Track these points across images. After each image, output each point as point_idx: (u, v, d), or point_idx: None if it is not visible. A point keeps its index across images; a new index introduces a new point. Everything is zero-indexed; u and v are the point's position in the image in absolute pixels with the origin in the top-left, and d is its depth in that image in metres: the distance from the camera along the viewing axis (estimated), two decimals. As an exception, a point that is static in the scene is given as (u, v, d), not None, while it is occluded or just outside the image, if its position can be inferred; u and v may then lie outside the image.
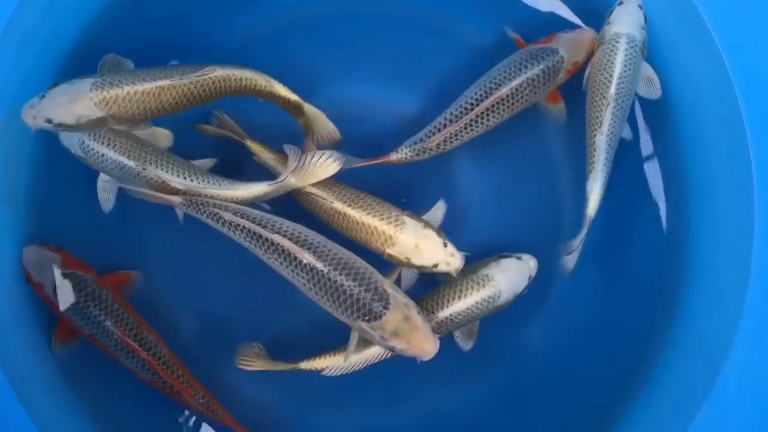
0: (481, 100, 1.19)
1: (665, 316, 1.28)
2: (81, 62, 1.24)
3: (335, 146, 1.24)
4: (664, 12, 1.26)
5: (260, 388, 1.30)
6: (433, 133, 1.20)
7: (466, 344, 1.23)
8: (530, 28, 1.32)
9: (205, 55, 1.24)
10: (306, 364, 1.20)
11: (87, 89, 1.09)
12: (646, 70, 1.23)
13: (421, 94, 1.35)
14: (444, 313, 1.16)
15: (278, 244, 1.05)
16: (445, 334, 1.19)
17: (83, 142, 1.16)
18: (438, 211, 1.20)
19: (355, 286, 1.03)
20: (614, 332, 1.31)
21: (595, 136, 1.19)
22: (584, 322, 1.31)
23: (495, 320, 1.24)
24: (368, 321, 1.03)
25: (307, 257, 1.04)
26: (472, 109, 1.19)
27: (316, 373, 1.22)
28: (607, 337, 1.31)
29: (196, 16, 1.16)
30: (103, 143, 1.15)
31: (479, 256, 1.23)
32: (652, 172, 1.31)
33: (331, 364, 1.18)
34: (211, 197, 1.13)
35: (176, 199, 1.12)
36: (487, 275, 1.18)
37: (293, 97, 1.20)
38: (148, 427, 1.28)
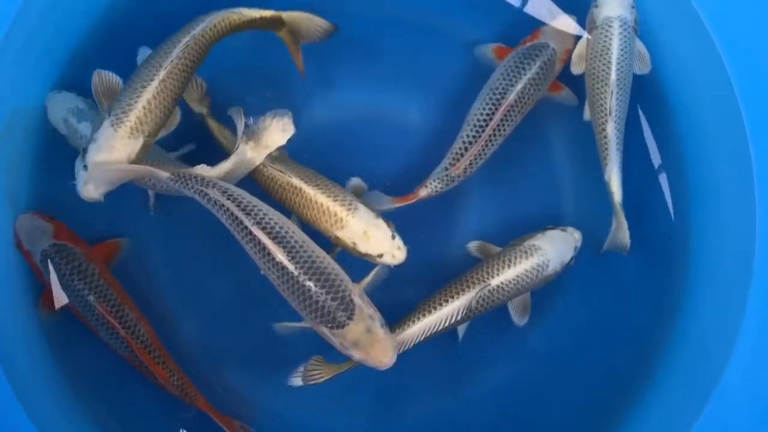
0: (493, 114, 1.20)
1: (667, 319, 1.28)
2: (83, 66, 1.23)
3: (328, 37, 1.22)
4: (664, 15, 1.27)
5: (256, 389, 1.30)
6: (457, 159, 1.21)
7: (520, 319, 1.24)
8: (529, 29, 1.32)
9: (206, 64, 1.24)
10: None
11: (112, 131, 1.07)
12: (638, 46, 1.23)
13: (422, 97, 1.35)
14: (495, 281, 1.17)
15: (256, 236, 1.05)
16: (497, 306, 1.19)
17: (66, 119, 1.17)
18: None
19: (322, 293, 1.03)
20: (614, 336, 1.31)
21: (604, 125, 1.19)
22: (584, 326, 1.32)
23: (494, 323, 1.24)
24: (330, 328, 1.04)
25: (280, 256, 1.04)
26: (486, 125, 1.20)
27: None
28: (607, 340, 1.31)
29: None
30: (83, 122, 1.16)
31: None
32: (654, 177, 1.32)
33: (398, 342, 1.16)
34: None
35: (164, 174, 1.10)
36: (534, 245, 1.20)
37: (268, 13, 1.19)
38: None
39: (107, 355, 1.21)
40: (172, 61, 1.10)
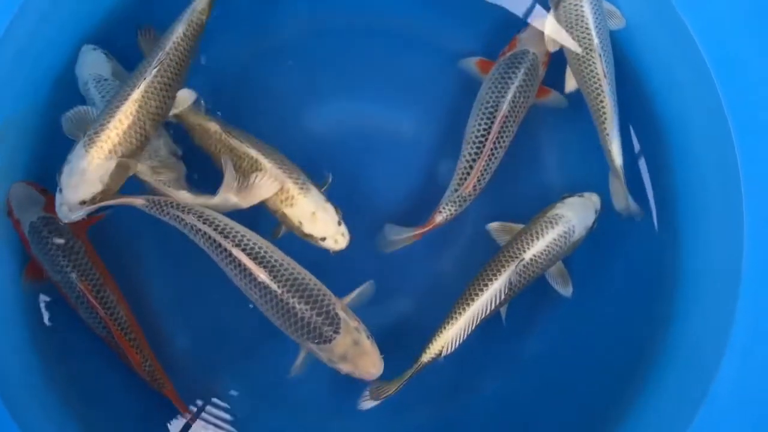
0: (489, 128, 1.21)
1: (657, 330, 1.29)
2: (74, 77, 1.25)
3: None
4: (653, 29, 1.28)
5: (250, 401, 1.30)
6: (464, 179, 1.21)
7: (565, 290, 1.25)
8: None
9: (198, 73, 1.25)
10: (426, 356, 1.17)
11: (83, 152, 1.06)
12: (605, 5, 1.23)
13: (414, 109, 1.35)
14: (528, 255, 1.17)
15: (236, 257, 1.05)
16: (533, 279, 1.19)
17: (87, 84, 1.19)
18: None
19: (307, 310, 1.04)
20: (607, 344, 1.31)
21: (600, 89, 1.19)
22: (577, 334, 1.32)
23: (488, 331, 1.24)
24: (318, 344, 1.05)
25: (262, 276, 1.04)
26: (486, 140, 1.21)
27: (313, 388, 1.24)
28: (599, 350, 1.31)
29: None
30: (100, 94, 1.17)
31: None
32: (643, 186, 1.33)
33: (450, 336, 1.16)
34: (161, 193, 1.13)
35: (138, 201, 1.10)
36: (557, 214, 1.20)
37: None
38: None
39: (95, 359, 1.22)
40: (146, 79, 1.08)
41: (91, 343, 1.22)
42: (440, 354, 1.16)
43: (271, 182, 1.13)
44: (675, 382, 1.24)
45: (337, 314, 1.05)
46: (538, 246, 1.18)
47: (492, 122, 1.21)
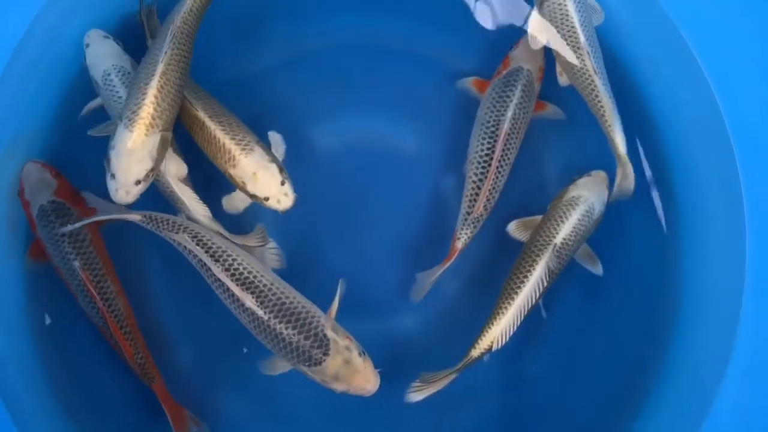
0: (493, 148, 1.22)
1: (658, 347, 1.28)
2: (82, 92, 1.26)
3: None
4: (653, 47, 1.28)
5: (252, 412, 1.31)
6: (474, 201, 1.22)
7: (596, 268, 1.27)
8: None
9: (205, 87, 1.26)
10: (477, 351, 1.18)
11: (127, 133, 1.08)
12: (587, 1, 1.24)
13: (417, 125, 1.36)
14: (558, 240, 1.19)
15: (224, 283, 1.07)
16: (566, 262, 1.21)
17: (108, 75, 1.20)
18: (278, 147, 1.22)
19: (294, 335, 1.04)
20: (608, 362, 1.31)
21: (593, 85, 1.20)
22: (578, 352, 1.32)
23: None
24: (308, 366, 1.05)
25: (249, 302, 1.05)
26: (491, 159, 1.22)
27: (313, 402, 1.24)
28: (600, 367, 1.31)
29: (195, 49, 1.19)
30: (125, 86, 1.18)
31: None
32: (643, 202, 1.32)
33: (499, 331, 1.17)
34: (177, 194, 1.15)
35: (135, 217, 1.13)
36: (573, 196, 1.23)
37: None
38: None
39: (97, 363, 1.24)
40: (166, 53, 1.11)
41: (93, 344, 1.25)
42: (490, 348, 1.17)
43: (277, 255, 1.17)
44: (676, 401, 1.23)
45: (325, 335, 1.05)
46: (566, 229, 1.20)
47: (495, 142, 1.22)
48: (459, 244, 1.23)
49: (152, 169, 1.10)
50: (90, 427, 1.26)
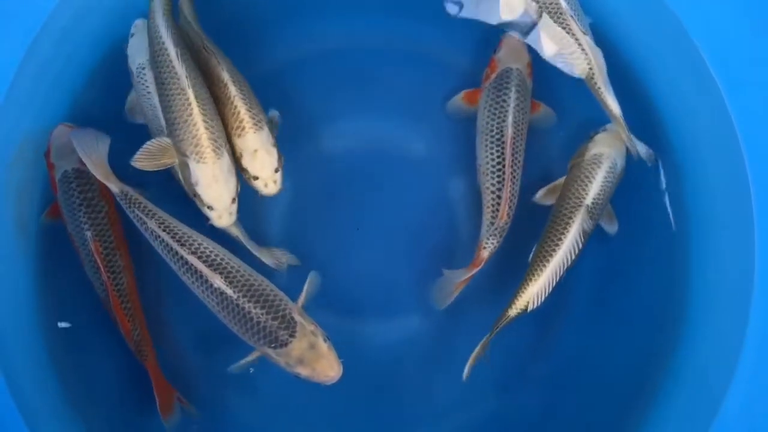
0: (503, 155, 1.23)
1: (666, 349, 1.28)
2: (94, 94, 1.27)
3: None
4: (664, 52, 1.28)
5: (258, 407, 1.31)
6: (496, 210, 1.23)
7: (612, 227, 1.28)
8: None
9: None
10: (513, 310, 1.19)
11: (203, 166, 1.10)
12: None
13: (424, 127, 1.37)
14: (588, 201, 1.21)
15: (192, 264, 1.08)
16: (597, 219, 1.23)
17: (143, 68, 1.21)
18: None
19: (262, 314, 1.05)
20: (614, 365, 1.31)
21: (589, 69, 1.20)
22: (583, 355, 1.32)
23: (494, 349, 1.24)
24: (274, 348, 1.06)
25: (218, 282, 1.07)
26: (503, 167, 1.22)
27: (315, 400, 1.24)
28: (606, 369, 1.31)
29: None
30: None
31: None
32: (653, 205, 1.33)
33: (534, 292, 1.18)
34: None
35: (114, 188, 1.14)
36: (594, 154, 1.24)
37: None
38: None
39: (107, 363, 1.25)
40: (187, 76, 1.11)
41: (103, 344, 1.26)
42: (526, 309, 1.18)
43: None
44: (684, 404, 1.23)
45: (292, 318, 1.06)
46: (595, 188, 1.21)
47: (503, 149, 1.23)
48: (485, 254, 1.23)
49: (237, 182, 1.12)
50: (98, 426, 1.26)
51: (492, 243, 1.23)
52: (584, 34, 1.20)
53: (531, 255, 1.23)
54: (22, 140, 1.22)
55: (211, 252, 1.10)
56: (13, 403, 1.13)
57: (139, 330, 1.21)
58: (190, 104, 1.10)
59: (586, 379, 1.31)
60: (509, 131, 1.23)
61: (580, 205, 1.20)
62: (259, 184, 1.15)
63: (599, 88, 1.21)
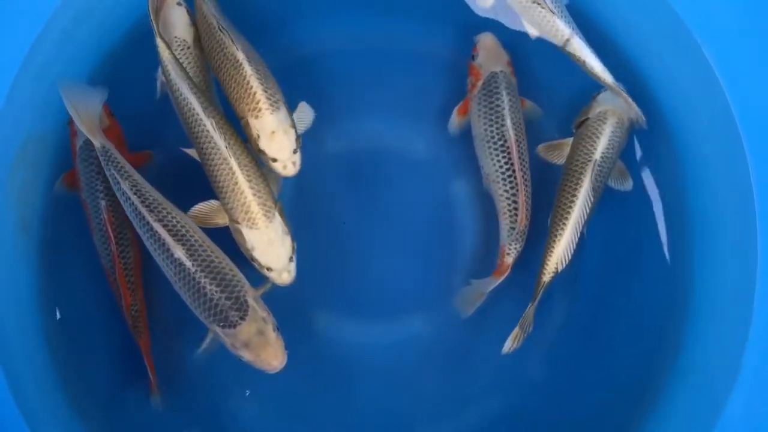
0: (510, 160, 1.23)
1: (668, 352, 1.28)
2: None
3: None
4: (665, 49, 1.28)
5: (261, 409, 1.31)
6: (515, 215, 1.23)
7: (626, 184, 1.28)
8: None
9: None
10: (546, 275, 1.21)
11: (256, 231, 1.10)
12: None
13: (428, 128, 1.37)
14: (597, 156, 1.21)
15: (156, 231, 1.08)
16: (607, 176, 1.23)
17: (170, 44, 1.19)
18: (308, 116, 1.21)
19: (217, 292, 1.05)
20: (616, 367, 1.30)
21: (554, 28, 1.20)
22: (585, 357, 1.32)
23: (497, 352, 1.25)
24: (222, 327, 1.06)
25: (178, 253, 1.07)
26: (513, 172, 1.23)
27: (317, 403, 1.24)
28: (608, 372, 1.31)
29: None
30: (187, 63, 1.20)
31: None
32: (655, 212, 1.32)
33: (561, 251, 1.20)
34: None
35: (96, 143, 1.14)
36: (600, 112, 1.25)
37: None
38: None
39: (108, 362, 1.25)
40: (227, 146, 1.10)
41: (105, 343, 1.27)
42: (557, 271, 1.20)
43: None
44: (687, 406, 1.23)
45: (246, 301, 1.06)
46: (603, 143, 1.22)
47: (509, 154, 1.23)
48: (509, 259, 1.24)
49: (293, 240, 1.13)
50: (98, 426, 1.26)
51: (515, 248, 1.23)
52: (554, 13, 1.18)
53: (549, 218, 1.23)
54: (24, 141, 1.22)
55: (177, 222, 1.10)
56: (14, 403, 1.13)
57: (138, 306, 1.22)
58: (234, 173, 1.09)
59: (590, 381, 1.31)
60: (511, 135, 1.23)
61: (589, 161, 1.21)
62: (277, 166, 1.14)
63: (584, 62, 1.20)
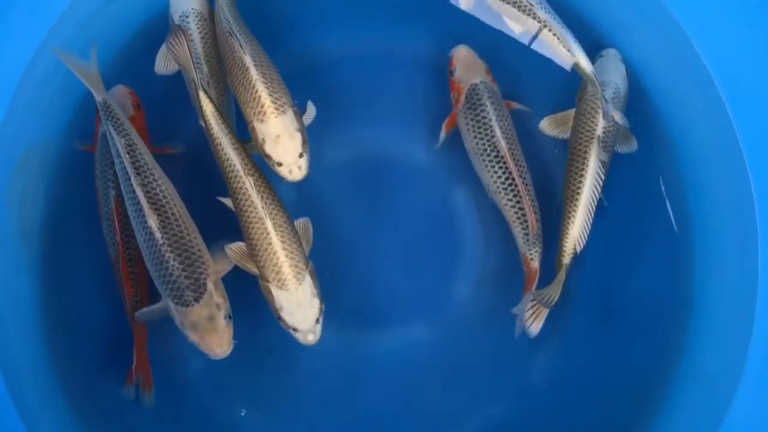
0: (507, 168, 1.23)
1: (670, 358, 1.27)
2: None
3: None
4: (669, 65, 1.28)
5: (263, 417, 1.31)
6: (524, 221, 1.24)
7: (631, 146, 1.28)
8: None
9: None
10: (566, 258, 1.20)
11: (285, 293, 1.10)
12: None
13: (425, 136, 1.37)
14: (599, 131, 1.21)
15: (136, 195, 1.10)
16: (612, 149, 1.23)
17: (186, 17, 1.23)
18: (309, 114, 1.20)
19: (179, 269, 1.07)
20: (619, 373, 1.30)
21: (534, 15, 1.18)
22: (588, 363, 1.31)
23: (500, 358, 1.24)
24: (176, 304, 1.07)
25: (152, 221, 1.09)
26: (514, 182, 1.23)
27: (318, 411, 1.24)
28: (611, 377, 1.30)
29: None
30: (197, 32, 1.22)
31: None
32: (655, 216, 1.32)
33: (576, 232, 1.20)
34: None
35: (98, 96, 1.16)
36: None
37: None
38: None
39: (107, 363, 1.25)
40: (263, 206, 1.10)
41: (104, 346, 1.28)
42: (575, 252, 1.20)
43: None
44: (689, 413, 1.22)
45: (205, 284, 1.07)
46: (601, 114, 1.21)
47: (505, 164, 1.23)
48: (534, 264, 1.24)
49: (321, 303, 1.12)
50: (98, 426, 1.26)
51: (536, 252, 1.24)
52: (535, 5, 1.17)
53: (560, 198, 1.24)
54: (26, 149, 1.23)
55: (160, 191, 1.11)
56: (13, 406, 1.13)
57: (139, 297, 1.23)
58: (268, 233, 1.09)
59: (592, 388, 1.31)
60: (503, 146, 1.23)
61: (592, 138, 1.21)
62: (283, 171, 1.14)
63: (575, 55, 1.18)
